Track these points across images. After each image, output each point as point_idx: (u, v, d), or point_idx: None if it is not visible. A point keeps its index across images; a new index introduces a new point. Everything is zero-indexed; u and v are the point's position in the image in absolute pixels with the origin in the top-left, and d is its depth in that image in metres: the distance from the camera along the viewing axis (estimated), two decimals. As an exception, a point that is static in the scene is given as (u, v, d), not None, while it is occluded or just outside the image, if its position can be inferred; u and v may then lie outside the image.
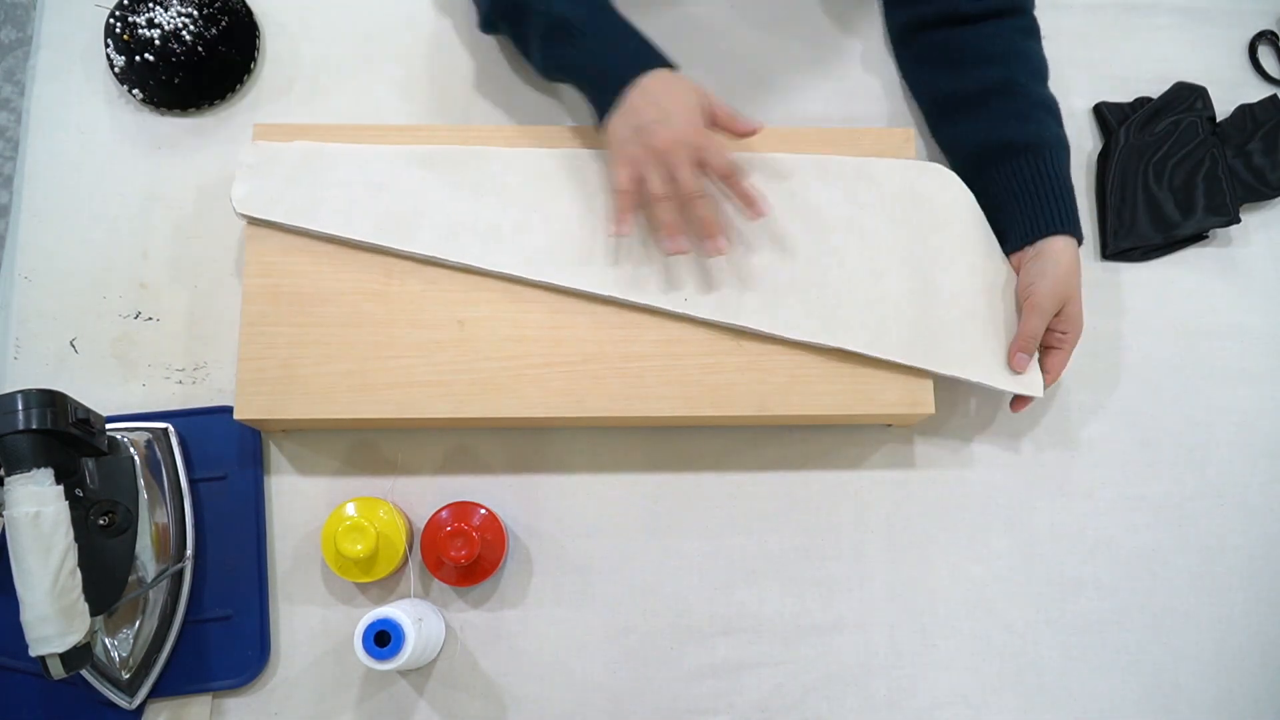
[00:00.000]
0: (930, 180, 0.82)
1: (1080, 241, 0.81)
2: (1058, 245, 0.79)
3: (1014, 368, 0.79)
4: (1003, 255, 0.82)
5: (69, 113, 0.87)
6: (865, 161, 0.82)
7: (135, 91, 0.86)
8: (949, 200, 0.82)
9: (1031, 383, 0.79)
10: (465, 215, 0.78)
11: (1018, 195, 0.81)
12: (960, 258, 0.80)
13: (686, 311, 0.77)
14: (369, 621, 0.68)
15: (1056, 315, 0.79)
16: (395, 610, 0.68)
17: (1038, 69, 0.85)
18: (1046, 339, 0.80)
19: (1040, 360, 0.80)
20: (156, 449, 0.77)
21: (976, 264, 0.81)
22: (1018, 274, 0.81)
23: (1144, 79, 0.93)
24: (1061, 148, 0.83)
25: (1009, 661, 0.80)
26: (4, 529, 0.68)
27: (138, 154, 0.86)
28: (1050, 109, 0.84)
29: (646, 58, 0.76)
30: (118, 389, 0.81)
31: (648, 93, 0.74)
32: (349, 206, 0.78)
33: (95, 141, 0.87)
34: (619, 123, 0.75)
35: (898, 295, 0.79)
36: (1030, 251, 0.80)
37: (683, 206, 0.75)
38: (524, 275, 0.77)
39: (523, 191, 0.79)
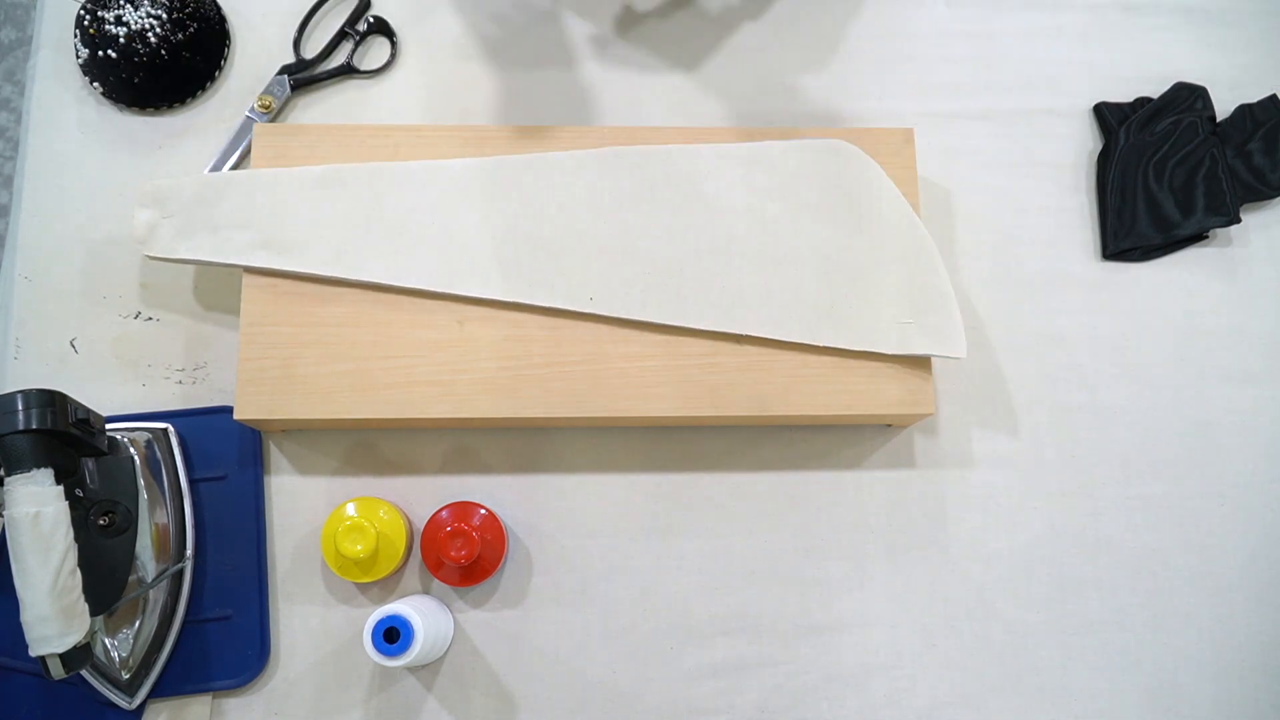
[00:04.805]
0: (832, 157, 0.80)
1: None
2: None
3: None
4: (916, 222, 0.79)
5: (69, 113, 0.87)
6: (761, 146, 0.80)
7: (96, 85, 0.86)
8: (855, 174, 0.80)
9: (951, 344, 0.77)
10: (363, 232, 0.77)
11: None
12: (869, 230, 0.79)
13: (593, 311, 0.77)
14: (378, 618, 0.67)
15: None
16: (404, 606, 0.68)
17: None
18: None
19: None
20: (156, 449, 0.77)
21: (885, 235, 0.79)
22: None
23: (1144, 79, 0.93)
24: None
25: (1009, 661, 0.80)
26: (4, 529, 0.68)
27: (138, 153, 0.86)
28: None
29: None
30: (118, 389, 0.81)
31: None
32: (244, 233, 0.77)
33: (96, 141, 0.87)
34: None
35: (800, 278, 0.77)
36: None
37: None
38: (428, 288, 0.76)
39: (418, 205, 0.78)
